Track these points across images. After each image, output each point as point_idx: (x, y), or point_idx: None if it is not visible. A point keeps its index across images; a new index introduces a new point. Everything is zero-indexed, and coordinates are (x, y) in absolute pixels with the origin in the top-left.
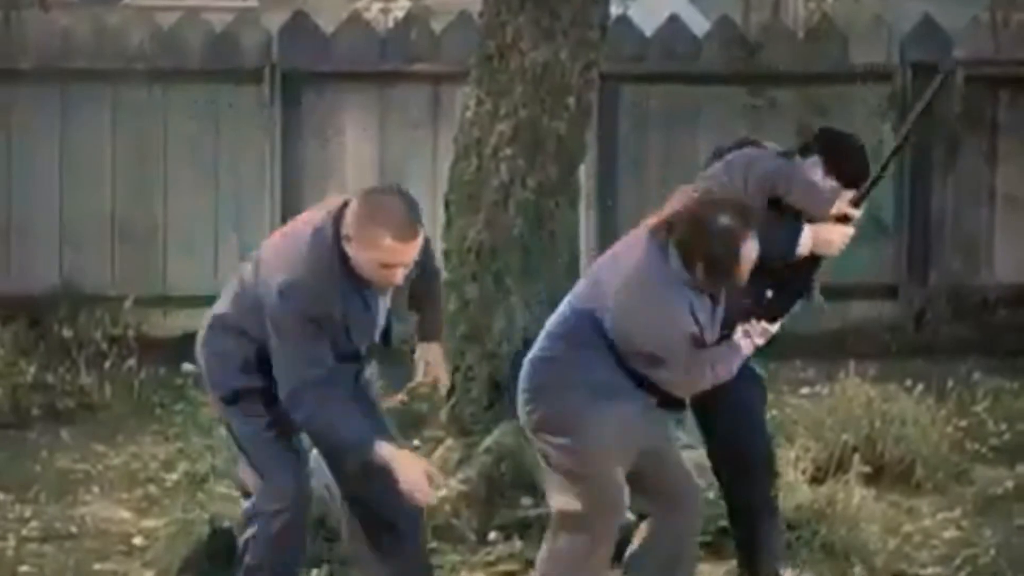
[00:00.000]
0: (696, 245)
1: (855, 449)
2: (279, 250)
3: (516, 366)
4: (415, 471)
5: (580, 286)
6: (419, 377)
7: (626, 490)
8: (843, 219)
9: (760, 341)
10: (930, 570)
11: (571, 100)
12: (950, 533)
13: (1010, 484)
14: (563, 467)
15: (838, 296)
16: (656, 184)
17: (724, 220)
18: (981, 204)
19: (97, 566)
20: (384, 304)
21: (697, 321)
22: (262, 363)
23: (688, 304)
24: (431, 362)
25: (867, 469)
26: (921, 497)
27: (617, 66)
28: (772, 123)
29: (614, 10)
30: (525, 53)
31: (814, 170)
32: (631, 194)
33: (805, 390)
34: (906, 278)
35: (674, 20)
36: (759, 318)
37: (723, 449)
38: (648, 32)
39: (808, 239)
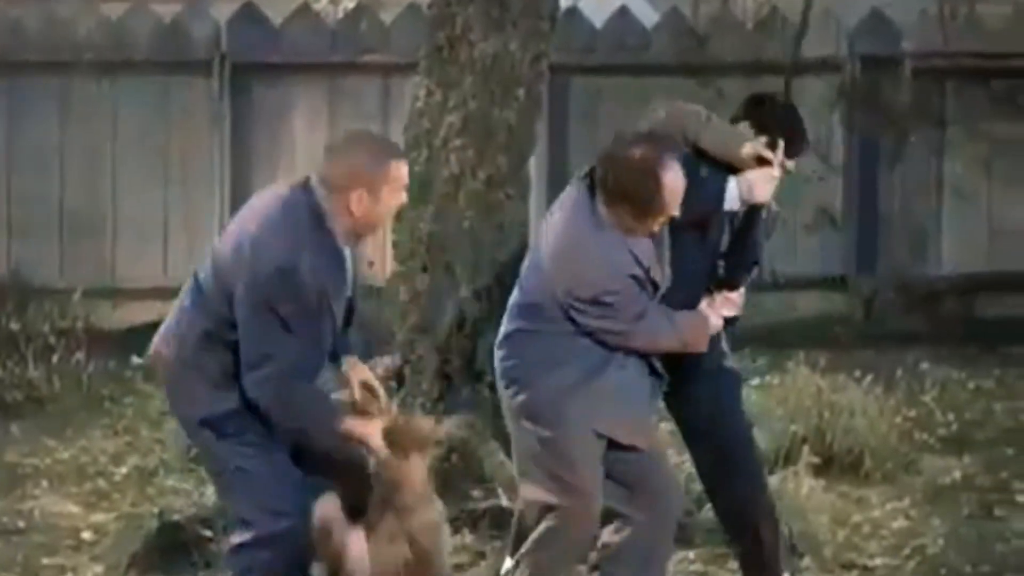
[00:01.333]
0: (616, 182)
1: (804, 440)
2: (265, 228)
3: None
4: (367, 428)
5: (528, 257)
6: (356, 396)
7: (600, 482)
8: (763, 163)
9: (727, 312)
10: (879, 560)
11: (521, 91)
12: (899, 523)
13: (958, 474)
14: (541, 458)
15: (787, 287)
16: None
17: (638, 151)
18: (929, 195)
19: (45, 560)
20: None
21: (638, 261)
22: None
23: (622, 243)
24: (367, 380)
25: (816, 460)
26: (870, 487)
27: (567, 57)
28: (721, 114)
29: (564, 2)
30: (475, 44)
31: (745, 132)
32: None
33: (755, 381)
34: (855, 269)
35: (624, 12)
36: (719, 290)
37: (706, 453)
38: (598, 24)
39: (735, 188)
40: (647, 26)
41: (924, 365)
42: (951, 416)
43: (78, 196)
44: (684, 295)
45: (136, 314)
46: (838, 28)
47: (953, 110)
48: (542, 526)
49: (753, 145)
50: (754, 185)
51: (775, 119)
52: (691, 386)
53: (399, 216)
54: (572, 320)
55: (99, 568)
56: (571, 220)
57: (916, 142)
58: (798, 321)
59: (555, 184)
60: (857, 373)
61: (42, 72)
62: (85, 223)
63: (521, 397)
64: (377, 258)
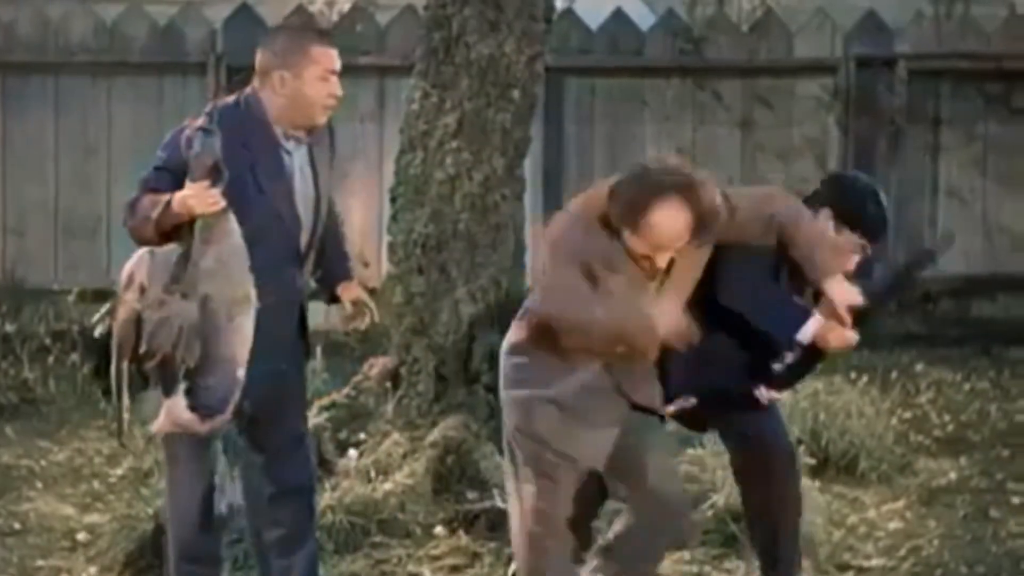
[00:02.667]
0: (621, 186)
1: (800, 441)
2: None
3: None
4: (194, 189)
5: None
6: (348, 310)
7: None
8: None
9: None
10: (874, 561)
11: (516, 93)
12: (894, 524)
13: (953, 475)
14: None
15: None
16: (602, 176)
17: (658, 171)
18: (924, 197)
19: (40, 562)
20: (306, 180)
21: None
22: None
23: (592, 235)
24: (357, 296)
25: (812, 461)
26: (865, 489)
27: (562, 59)
28: (717, 116)
29: (559, 3)
30: (470, 46)
31: (825, 223)
32: (577, 187)
33: None
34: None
35: (619, 14)
36: (768, 387)
37: (741, 448)
38: (593, 25)
39: (812, 329)
40: (643, 28)
41: (919, 367)
42: (946, 418)
43: (73, 197)
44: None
45: None
46: (833, 29)
47: (948, 111)
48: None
49: (839, 297)
50: (829, 337)
51: (861, 214)
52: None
53: (395, 217)
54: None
55: (94, 569)
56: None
57: (910, 143)
58: None
59: (550, 185)
60: (852, 374)
61: (37, 73)
62: (80, 225)
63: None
64: (372, 260)
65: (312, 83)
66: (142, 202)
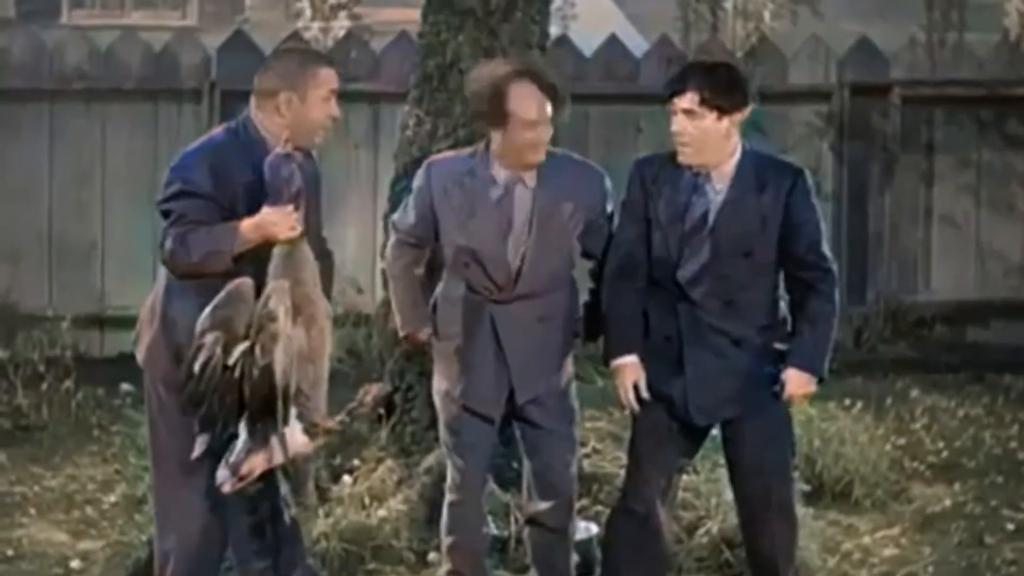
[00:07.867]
0: None
1: (795, 467)
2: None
3: None
4: (278, 215)
5: None
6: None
7: None
8: None
9: None
10: None
11: None
12: (889, 551)
13: (948, 502)
14: None
15: None
16: None
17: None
18: (918, 223)
19: None
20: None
21: None
22: None
23: None
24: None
25: (806, 487)
26: (860, 515)
27: None
28: None
29: (554, 30)
30: (465, 73)
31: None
32: None
33: None
34: (844, 297)
35: (614, 40)
36: None
37: (747, 493)
38: (587, 52)
39: None
40: (637, 55)
41: (914, 393)
42: (941, 444)
43: (67, 223)
44: None
45: (125, 341)
46: (827, 56)
47: (942, 138)
48: None
49: None
50: None
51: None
52: (745, 424)
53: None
54: None
55: None
56: None
57: (904, 170)
58: None
59: None
60: (847, 401)
61: (31, 99)
62: (74, 250)
63: None
64: (367, 286)
65: (316, 105)
66: (196, 235)
